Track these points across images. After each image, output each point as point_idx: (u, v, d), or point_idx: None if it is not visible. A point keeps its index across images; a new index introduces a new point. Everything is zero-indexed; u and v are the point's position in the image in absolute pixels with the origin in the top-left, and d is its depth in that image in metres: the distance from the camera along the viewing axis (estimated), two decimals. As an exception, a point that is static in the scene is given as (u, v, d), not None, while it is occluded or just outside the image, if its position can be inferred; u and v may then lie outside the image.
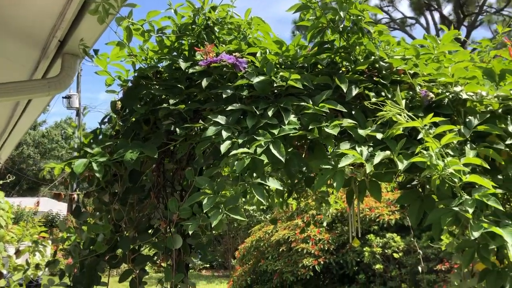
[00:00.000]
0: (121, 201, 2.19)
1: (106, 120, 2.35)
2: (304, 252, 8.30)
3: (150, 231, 2.27)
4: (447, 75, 1.89)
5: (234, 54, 2.02)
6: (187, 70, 2.08)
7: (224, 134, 1.78)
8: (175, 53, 2.34)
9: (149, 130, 2.20)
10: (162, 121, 2.12)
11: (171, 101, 2.00)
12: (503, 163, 1.77)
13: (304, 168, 1.85)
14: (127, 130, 2.20)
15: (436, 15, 19.10)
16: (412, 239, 7.32)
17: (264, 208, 14.05)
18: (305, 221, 9.09)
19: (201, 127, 1.96)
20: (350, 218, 2.62)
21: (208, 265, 15.66)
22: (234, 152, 1.71)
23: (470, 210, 1.52)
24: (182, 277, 2.04)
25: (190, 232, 1.79)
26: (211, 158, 2.02)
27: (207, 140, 1.86)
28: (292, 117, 1.85)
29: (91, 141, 2.21)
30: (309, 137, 1.80)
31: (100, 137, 2.26)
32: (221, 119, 1.85)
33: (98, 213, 2.31)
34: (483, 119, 1.79)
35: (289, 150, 1.84)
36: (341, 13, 1.93)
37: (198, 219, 1.75)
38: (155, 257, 2.36)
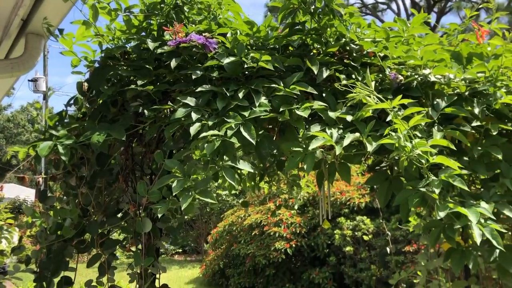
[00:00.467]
0: (89, 185, 2.14)
1: (72, 102, 2.28)
2: (276, 236, 8.38)
3: (119, 215, 2.23)
4: (416, 57, 1.90)
5: (204, 34, 1.98)
6: (155, 51, 2.03)
7: (194, 116, 1.76)
8: (143, 33, 2.28)
9: (117, 112, 2.15)
10: (130, 103, 2.07)
11: (139, 82, 1.96)
12: (469, 145, 1.81)
13: (275, 151, 1.84)
14: (94, 112, 2.14)
15: (407, 1, 19.33)
16: (382, 221, 7.48)
17: (237, 192, 14.08)
18: (277, 205, 9.18)
19: (171, 109, 1.92)
20: (320, 201, 2.64)
21: (180, 250, 15.65)
22: (204, 134, 1.69)
23: (437, 191, 1.54)
24: (151, 261, 2.02)
25: (160, 216, 1.76)
26: (181, 141, 1.99)
27: (177, 122, 1.83)
28: (263, 99, 1.83)
29: (57, 123, 2.14)
30: (280, 120, 1.79)
31: (66, 119, 2.19)
32: (190, 101, 1.82)
33: (65, 197, 2.26)
34: (450, 102, 1.82)
35: (260, 132, 1.83)
36: (312, -6, 1.91)
37: (168, 202, 1.72)
38: (125, 242, 2.33)
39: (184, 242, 15.93)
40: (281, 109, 1.79)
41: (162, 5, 2.13)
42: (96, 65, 2.26)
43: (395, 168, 1.83)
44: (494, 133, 1.81)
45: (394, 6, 19.68)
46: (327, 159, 1.93)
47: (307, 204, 8.79)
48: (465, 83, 1.93)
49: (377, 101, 1.64)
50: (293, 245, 8.20)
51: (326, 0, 1.98)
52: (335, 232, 7.83)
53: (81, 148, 2.00)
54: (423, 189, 1.62)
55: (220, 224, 10.26)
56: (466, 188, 1.57)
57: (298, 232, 8.35)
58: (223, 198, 14.29)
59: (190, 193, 1.65)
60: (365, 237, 7.54)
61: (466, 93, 1.89)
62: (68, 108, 2.30)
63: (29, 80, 21.04)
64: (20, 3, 2.37)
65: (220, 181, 3.62)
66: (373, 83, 1.66)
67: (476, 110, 1.81)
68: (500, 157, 1.77)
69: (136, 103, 2.05)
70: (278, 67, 1.91)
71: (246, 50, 1.92)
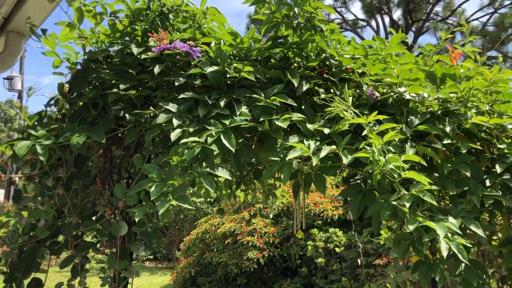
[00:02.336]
0: (65, 186, 2.13)
1: (52, 102, 2.28)
2: (249, 245, 8.39)
3: (94, 217, 2.23)
4: (392, 75, 1.98)
5: (188, 42, 2.02)
6: (139, 56, 2.05)
7: (175, 122, 1.78)
8: (127, 38, 2.30)
9: (97, 115, 2.15)
10: (111, 106, 2.08)
11: (122, 86, 1.97)
12: (439, 161, 1.88)
13: (254, 160, 1.88)
14: (74, 113, 2.14)
15: (386, 19, 19.75)
16: (354, 233, 7.58)
17: (211, 200, 14.04)
18: (251, 214, 9.19)
19: (152, 114, 1.94)
20: (295, 211, 2.69)
21: (151, 257, 15.46)
22: (184, 140, 1.72)
23: (407, 205, 1.61)
24: (125, 264, 2.02)
25: (136, 220, 1.77)
26: (160, 146, 2.01)
27: (157, 128, 1.85)
28: (244, 109, 1.87)
29: (36, 123, 2.13)
30: (259, 129, 1.83)
31: (45, 120, 2.18)
32: (172, 107, 1.85)
33: (39, 198, 2.24)
34: (423, 119, 1.90)
35: (239, 141, 1.87)
36: (296, 9, 1.97)
37: (145, 206, 1.74)
38: (98, 245, 2.32)
39: (156, 249, 15.75)
40: (261, 119, 1.84)
41: (147, 12, 2.16)
42: (79, 67, 2.26)
43: (369, 181, 1.89)
44: (464, 151, 1.89)
45: (373, 23, 20.11)
46: (304, 170, 1.98)
47: (281, 215, 8.84)
48: (438, 102, 2.01)
49: (354, 116, 1.70)
50: (266, 255, 8.22)
51: (308, 16, 2.04)
52: (307, 243, 7.89)
53: (60, 149, 1.99)
54: (394, 203, 1.68)
55: (193, 232, 10.21)
56: (435, 203, 1.64)
57: (271, 242, 8.37)
58: (197, 205, 14.22)
59: (168, 198, 1.67)
60: (337, 249, 7.63)
61: (439, 112, 1.98)
62: (47, 108, 2.29)
63: (4, 78, 20.59)
64: (2, 2, 2.36)
65: (195, 188, 3.64)
66: (350, 98, 1.72)
67: (448, 129, 1.89)
68: (468, 174, 1.85)
69: (117, 107, 2.06)
70: (260, 78, 1.96)
71: (229, 60, 1.96)
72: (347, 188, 1.97)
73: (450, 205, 1.92)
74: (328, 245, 7.72)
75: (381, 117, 1.72)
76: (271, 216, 3.78)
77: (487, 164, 2.01)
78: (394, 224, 2.87)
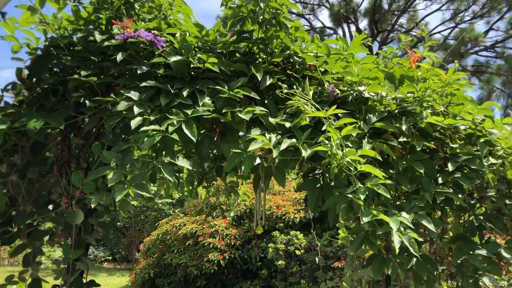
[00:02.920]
0: (20, 174, 2.07)
1: (9, 87, 2.21)
2: (211, 247, 8.35)
3: (50, 206, 2.17)
4: (353, 74, 2.04)
5: (153, 32, 2.01)
6: (102, 44, 2.03)
7: (136, 109, 1.77)
8: (91, 26, 2.27)
9: (56, 102, 2.10)
10: (72, 94, 2.04)
11: (83, 73, 1.94)
12: (395, 158, 1.94)
13: (215, 151, 1.89)
14: (32, 99, 2.09)
15: (353, 28, 20.17)
16: (313, 231, 7.68)
17: (173, 202, 13.88)
18: (214, 216, 9.16)
19: (113, 102, 1.92)
20: (256, 205, 2.71)
21: (110, 258, 15.14)
22: (145, 128, 1.70)
23: (362, 197, 1.65)
24: (80, 253, 1.98)
25: (93, 207, 1.75)
26: (121, 136, 1.99)
27: (118, 115, 1.83)
28: (207, 100, 1.88)
29: (-10, 108, 2.06)
30: (222, 121, 1.84)
31: (2, 104, 2.11)
32: (133, 95, 1.83)
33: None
34: (380, 117, 1.96)
35: (201, 131, 1.87)
36: (261, 4, 1.99)
37: (102, 193, 1.71)
38: (53, 235, 2.26)
39: (115, 249, 15.45)
40: (224, 111, 1.85)
41: (112, 0, 2.13)
42: (39, 53, 2.21)
43: (327, 175, 1.94)
44: (418, 150, 1.96)
45: (340, 32, 20.50)
46: (264, 163, 2.00)
47: (244, 217, 8.85)
48: (396, 101, 2.08)
49: (314, 109, 1.74)
50: (227, 257, 8.21)
51: (274, 12, 2.07)
52: (269, 245, 7.93)
53: (16, 134, 1.94)
54: (350, 196, 1.72)
55: (154, 233, 10.08)
56: (389, 196, 1.69)
57: (232, 244, 8.37)
58: (159, 206, 14.04)
59: (126, 186, 1.65)
60: (297, 252, 7.70)
61: (396, 111, 2.04)
62: (3, 93, 2.22)
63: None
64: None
65: (155, 188, 3.60)
66: (311, 93, 1.76)
67: (404, 127, 1.96)
68: (422, 172, 1.92)
69: (78, 94, 2.03)
70: (224, 70, 1.97)
71: (193, 52, 1.97)
72: (305, 182, 2.01)
73: (404, 201, 1.98)
74: (289, 247, 7.79)
75: (339, 111, 1.77)
76: (232, 214, 3.78)
77: (440, 163, 2.10)
78: (352, 223, 2.94)
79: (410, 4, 20.28)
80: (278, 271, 7.98)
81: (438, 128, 2.07)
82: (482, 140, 2.07)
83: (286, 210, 8.36)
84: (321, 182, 2.01)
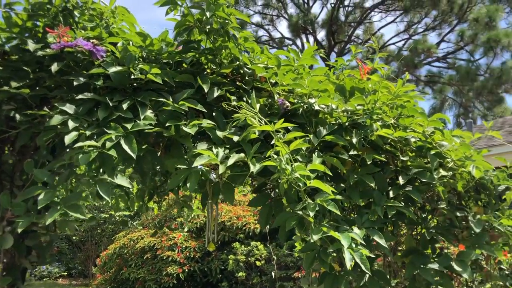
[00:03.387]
0: None
1: None
2: (169, 260, 8.14)
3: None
4: (302, 86, 1.98)
5: (92, 41, 1.89)
6: (36, 53, 1.88)
7: (71, 124, 1.64)
8: (27, 34, 2.11)
9: (-14, 116, 1.94)
10: (2, 106, 1.88)
11: (14, 84, 1.79)
12: (345, 172, 1.90)
13: (158, 168, 1.78)
14: (-42, 113, 1.91)
15: (311, 39, 20.48)
16: (269, 245, 7.62)
17: (131, 214, 13.50)
18: (173, 228, 8.95)
19: (47, 116, 1.78)
20: (207, 223, 2.60)
21: (66, 274, 14.53)
22: (80, 144, 1.58)
23: (311, 214, 1.59)
24: (8, 280, 1.81)
25: (20, 230, 1.60)
26: (57, 152, 1.85)
27: (52, 130, 1.70)
28: (149, 113, 1.77)
29: None
30: (165, 135, 1.74)
31: None
32: (69, 108, 1.71)
33: None
34: (331, 130, 1.91)
35: (143, 147, 1.77)
36: (208, 14, 1.91)
37: (32, 215, 1.57)
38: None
39: (71, 265, 14.87)
40: (167, 124, 1.75)
41: (49, 6, 2.00)
42: (-33, 62, 2.04)
43: (277, 190, 1.87)
44: (369, 163, 1.92)
45: (299, 42, 20.76)
46: (212, 179, 1.91)
47: (204, 229, 8.69)
48: (347, 114, 2.04)
49: (262, 123, 1.67)
50: (186, 270, 8.02)
51: (221, 22, 1.99)
52: (229, 257, 7.81)
53: None
54: (300, 212, 1.66)
55: (111, 247, 9.74)
56: (338, 213, 1.64)
57: (192, 256, 8.19)
58: (116, 219, 13.62)
59: (58, 207, 1.52)
60: (258, 263, 7.61)
61: (347, 124, 2.00)
62: None
63: None
64: None
65: (113, 201, 3.43)
66: (258, 106, 1.69)
67: (354, 140, 1.92)
68: (373, 185, 1.88)
69: (9, 107, 1.87)
70: (168, 81, 1.87)
71: (136, 61, 1.86)
72: (256, 198, 1.93)
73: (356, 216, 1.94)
74: (249, 258, 7.69)
75: (287, 125, 1.70)
76: (186, 229, 3.66)
77: (391, 176, 2.07)
78: (305, 235, 2.88)
79: (366, 16, 20.83)
80: (239, 283, 7.86)
81: (389, 140, 2.04)
82: (432, 152, 2.06)
83: (247, 221, 8.27)
84: (272, 198, 1.93)
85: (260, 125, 1.65)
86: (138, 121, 1.71)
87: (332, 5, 20.42)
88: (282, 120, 1.66)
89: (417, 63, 18.90)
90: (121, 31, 2.13)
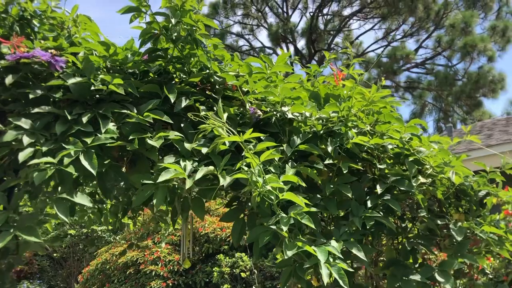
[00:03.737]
0: None
1: None
2: (153, 274, 7.96)
3: None
4: (274, 93, 1.90)
5: (50, 51, 1.78)
6: (-9, 65, 1.77)
7: (26, 140, 1.53)
8: (-16, 45, 2.00)
9: None
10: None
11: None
12: (319, 182, 1.82)
13: (123, 183, 1.68)
14: None
15: (292, 48, 20.55)
16: (249, 258, 7.51)
17: (115, 228, 13.23)
18: (155, 242, 8.78)
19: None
20: (182, 239, 2.50)
21: (47, 292, 14.16)
22: (35, 161, 1.47)
23: (285, 228, 1.50)
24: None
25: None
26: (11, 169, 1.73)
27: (6, 147, 1.58)
28: (111, 126, 1.67)
29: None
30: (129, 149, 1.64)
31: None
32: (24, 123, 1.59)
33: None
34: (305, 139, 1.83)
35: (105, 162, 1.66)
36: (173, 20, 1.83)
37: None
38: None
39: (53, 282, 14.50)
40: (130, 137, 1.65)
41: (3, 15, 1.88)
42: None
43: (249, 204, 1.78)
44: (345, 172, 1.85)
45: (279, 51, 20.80)
46: (181, 194, 1.81)
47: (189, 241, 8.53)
48: (323, 122, 1.97)
49: (230, 133, 1.58)
50: (170, 284, 7.85)
51: (188, 29, 1.91)
52: (213, 269, 7.67)
53: None
54: (273, 227, 1.57)
55: (93, 263, 9.52)
56: (313, 226, 1.55)
57: (176, 270, 8.02)
58: (98, 234, 13.35)
59: (11, 230, 1.40)
60: (243, 274, 7.49)
61: (322, 132, 1.93)
62: None
63: None
64: None
65: (86, 218, 3.29)
66: (225, 115, 1.60)
67: (329, 149, 1.84)
68: (350, 195, 1.80)
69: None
70: (132, 92, 1.77)
71: (98, 72, 1.76)
72: (228, 212, 1.84)
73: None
74: (234, 270, 7.56)
75: (256, 134, 1.61)
76: (163, 245, 3.54)
77: (369, 185, 2.00)
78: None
79: (345, 24, 21.01)
80: (224, 295, 7.71)
81: (365, 148, 1.97)
82: (410, 159, 1.99)
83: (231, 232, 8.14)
84: (245, 212, 1.84)
85: (229, 136, 1.56)
86: (99, 135, 1.61)
87: (311, 13, 20.57)
88: (251, 130, 1.57)
89: (396, 70, 19.09)
90: (84, 40, 2.03)
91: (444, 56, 19.64)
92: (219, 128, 1.55)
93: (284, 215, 1.55)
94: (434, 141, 2.03)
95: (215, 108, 1.93)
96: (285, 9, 21.51)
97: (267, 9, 21.72)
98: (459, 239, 1.93)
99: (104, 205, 3.11)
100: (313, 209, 1.59)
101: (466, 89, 18.69)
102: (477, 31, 18.60)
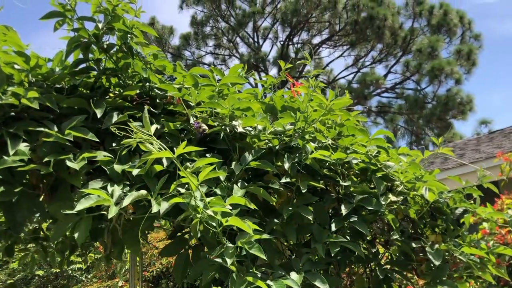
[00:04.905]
0: None
1: None
2: (121, 316, 7.45)
3: None
4: (221, 104, 1.66)
5: (-47, 62, 1.52)
6: None
7: None
8: None
9: None
10: None
11: None
12: (274, 203, 1.57)
13: (38, 215, 1.40)
14: None
15: (264, 75, 20.61)
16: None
17: (85, 267, 12.57)
18: (127, 280, 8.29)
19: None
20: (130, 277, 2.19)
21: None
22: None
23: (229, 261, 1.24)
24: None
25: None
26: None
27: None
28: (23, 146, 1.40)
29: None
30: (42, 172, 1.36)
31: None
32: None
33: None
34: (257, 155, 1.59)
35: (16, 190, 1.38)
36: (100, 25, 1.59)
37: None
38: None
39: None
40: (45, 159, 1.37)
41: None
42: None
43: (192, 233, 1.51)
44: (304, 191, 1.61)
45: (252, 80, 20.84)
46: (110, 226, 1.54)
47: (162, 276, 8.08)
48: (281, 136, 1.73)
49: (160, 149, 1.32)
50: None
51: (121, 36, 1.67)
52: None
53: None
54: (218, 259, 1.30)
55: (61, 305, 8.91)
56: (263, 257, 1.29)
57: (144, 310, 7.54)
58: (68, 273, 12.66)
59: None
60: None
61: (277, 147, 1.69)
62: None
63: None
64: None
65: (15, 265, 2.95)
66: (154, 127, 1.34)
67: (286, 165, 1.60)
68: (310, 218, 1.56)
69: None
70: (53, 108, 1.51)
71: (6, 85, 1.49)
72: (169, 245, 1.56)
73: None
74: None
75: (193, 149, 1.36)
76: (120, 284, 3.21)
77: (333, 206, 1.76)
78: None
79: (315, 51, 21.26)
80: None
81: (327, 164, 1.74)
82: (378, 175, 1.77)
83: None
84: (190, 244, 1.57)
85: (159, 151, 1.30)
86: (6, 158, 1.33)
87: (282, 42, 20.76)
88: (184, 143, 1.31)
89: (367, 95, 19.26)
90: (5, 55, 1.76)
91: (413, 80, 19.99)
92: (147, 143, 1.29)
93: (230, 245, 1.29)
94: (403, 153, 1.82)
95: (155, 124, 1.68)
96: (256, 39, 21.70)
97: (238, 39, 21.88)
98: (437, 263, 1.69)
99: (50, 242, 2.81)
100: (265, 236, 1.33)
101: (436, 111, 18.96)
102: (443, 55, 19.06)
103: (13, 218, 1.36)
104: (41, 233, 2.59)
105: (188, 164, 1.32)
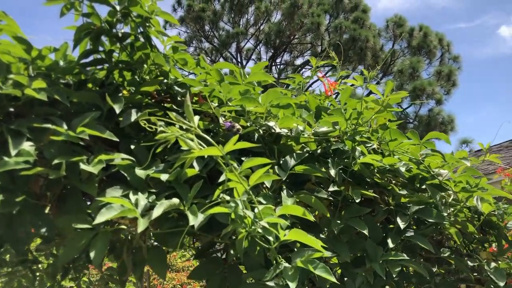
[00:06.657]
0: None
1: None
2: None
3: None
4: (256, 100, 1.43)
5: None
6: None
7: None
8: None
9: None
10: None
11: None
12: (328, 215, 1.34)
13: (44, 230, 1.13)
14: None
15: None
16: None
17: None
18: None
19: None
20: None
21: None
22: None
23: (292, 285, 0.99)
24: None
25: None
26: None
27: None
28: (28, 146, 1.14)
29: None
30: (51, 177, 1.11)
31: None
32: None
33: None
34: (300, 159, 1.36)
35: (18, 199, 1.12)
36: (118, 7, 1.37)
37: None
38: None
39: None
40: (54, 162, 1.12)
41: None
42: None
43: (232, 252, 1.27)
44: (354, 202, 1.38)
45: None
46: (133, 242, 1.28)
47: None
48: (321, 138, 1.50)
49: (201, 147, 1.08)
50: None
51: (139, 22, 1.45)
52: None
53: None
54: (271, 283, 1.06)
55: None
56: (334, 279, 1.05)
57: None
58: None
59: None
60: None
61: (319, 151, 1.47)
62: None
63: None
64: None
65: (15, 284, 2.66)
66: (197, 118, 1.11)
67: (332, 172, 1.38)
68: (366, 232, 1.33)
69: None
70: (62, 102, 1.27)
71: (5, 75, 1.24)
72: (200, 266, 1.31)
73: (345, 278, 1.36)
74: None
75: (245, 145, 1.12)
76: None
77: (383, 218, 1.54)
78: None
79: (298, 72, 21.35)
80: None
81: (375, 171, 1.52)
82: (428, 183, 1.56)
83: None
84: (224, 263, 1.32)
85: (201, 149, 1.06)
86: (7, 159, 1.08)
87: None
88: (237, 137, 1.08)
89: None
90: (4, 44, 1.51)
91: (394, 101, 20.16)
92: (187, 139, 1.05)
93: (287, 264, 1.05)
94: (464, 157, 1.61)
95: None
96: (239, 59, 21.67)
97: (221, 59, 21.82)
98: (501, 284, 1.48)
99: (40, 265, 2.55)
100: (327, 254, 1.10)
101: (418, 131, 19.08)
102: (423, 76, 19.33)
103: (14, 233, 1.09)
104: (29, 255, 2.32)
105: (233, 166, 1.08)
